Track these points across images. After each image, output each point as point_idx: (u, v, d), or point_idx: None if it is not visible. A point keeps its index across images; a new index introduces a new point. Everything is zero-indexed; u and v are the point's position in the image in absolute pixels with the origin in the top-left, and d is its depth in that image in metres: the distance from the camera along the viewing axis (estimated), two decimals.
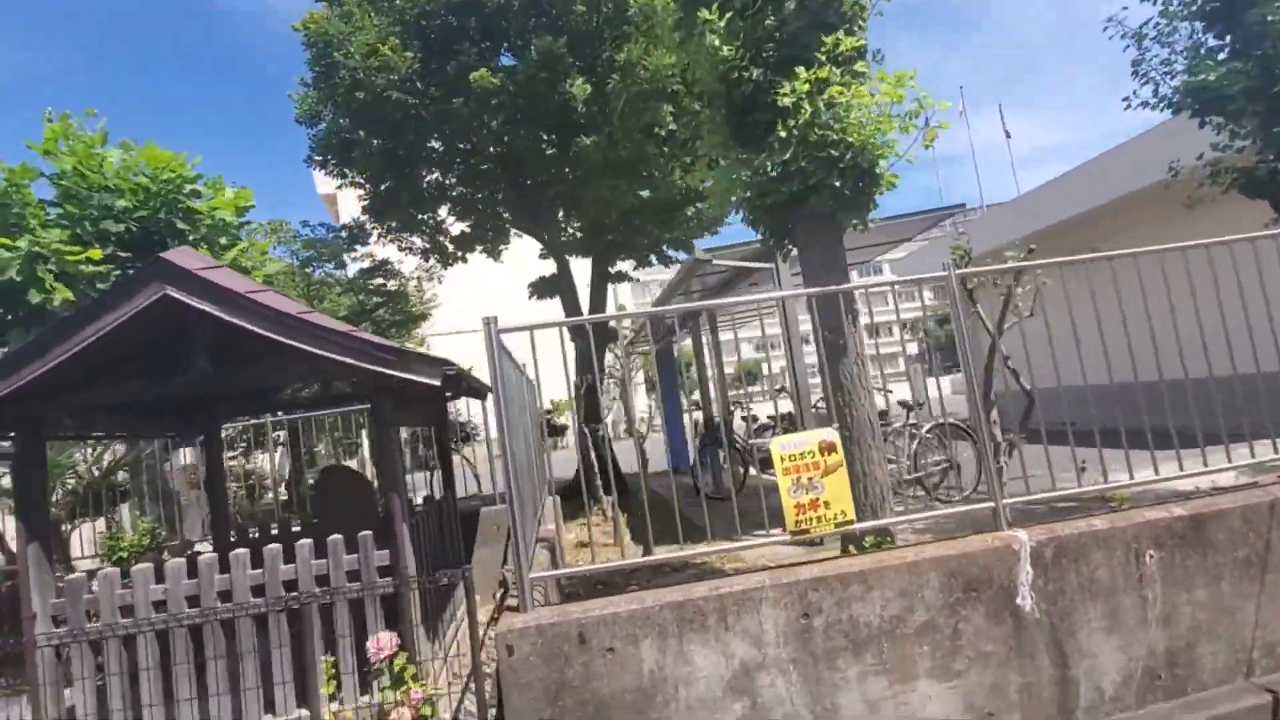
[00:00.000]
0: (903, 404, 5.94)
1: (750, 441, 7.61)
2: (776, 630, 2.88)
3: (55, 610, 3.83)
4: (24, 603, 3.80)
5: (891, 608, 2.94)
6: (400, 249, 9.89)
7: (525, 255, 11.22)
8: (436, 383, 3.84)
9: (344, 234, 9.80)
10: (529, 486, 4.05)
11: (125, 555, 6.13)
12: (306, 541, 3.98)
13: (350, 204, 21.43)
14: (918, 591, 2.96)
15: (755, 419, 9.27)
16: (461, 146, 7.81)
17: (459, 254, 9.88)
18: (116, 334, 3.66)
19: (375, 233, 9.50)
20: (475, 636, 2.89)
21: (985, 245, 9.03)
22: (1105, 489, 3.59)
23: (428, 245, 9.75)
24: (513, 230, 9.90)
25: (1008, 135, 27.54)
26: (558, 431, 9.48)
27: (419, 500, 6.38)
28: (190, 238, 6.59)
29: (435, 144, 8.31)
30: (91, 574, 3.95)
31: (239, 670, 3.79)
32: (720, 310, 7.74)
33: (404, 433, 10.71)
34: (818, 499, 3.00)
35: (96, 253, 5.88)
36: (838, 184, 3.18)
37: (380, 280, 10.45)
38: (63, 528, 5.95)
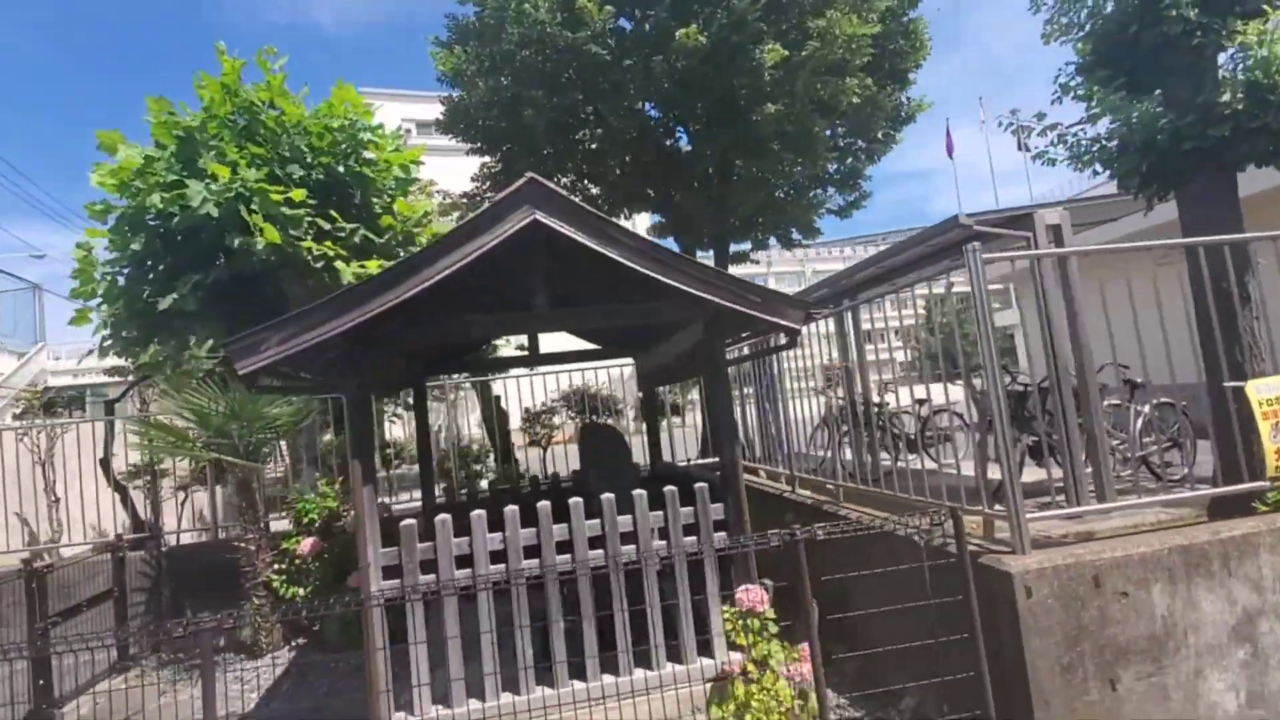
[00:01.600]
0: (1127, 382, 5.91)
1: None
2: (1275, 575, 2.78)
3: (388, 560, 3.52)
4: (360, 551, 3.47)
5: None
6: None
7: None
8: (798, 327, 3.66)
9: (464, 200, 9.48)
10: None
11: (315, 519, 5.74)
12: (641, 492, 3.74)
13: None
14: None
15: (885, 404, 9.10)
16: (638, 108, 7.54)
17: None
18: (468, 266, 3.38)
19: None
20: (969, 591, 2.71)
21: None
22: None
23: None
24: (627, 209, 9.72)
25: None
26: (676, 410, 9.21)
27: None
28: (373, 188, 6.26)
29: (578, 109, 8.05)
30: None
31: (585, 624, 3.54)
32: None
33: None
34: None
35: (300, 193, 5.51)
36: None
37: None
38: (251, 485, 5.55)
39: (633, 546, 3.68)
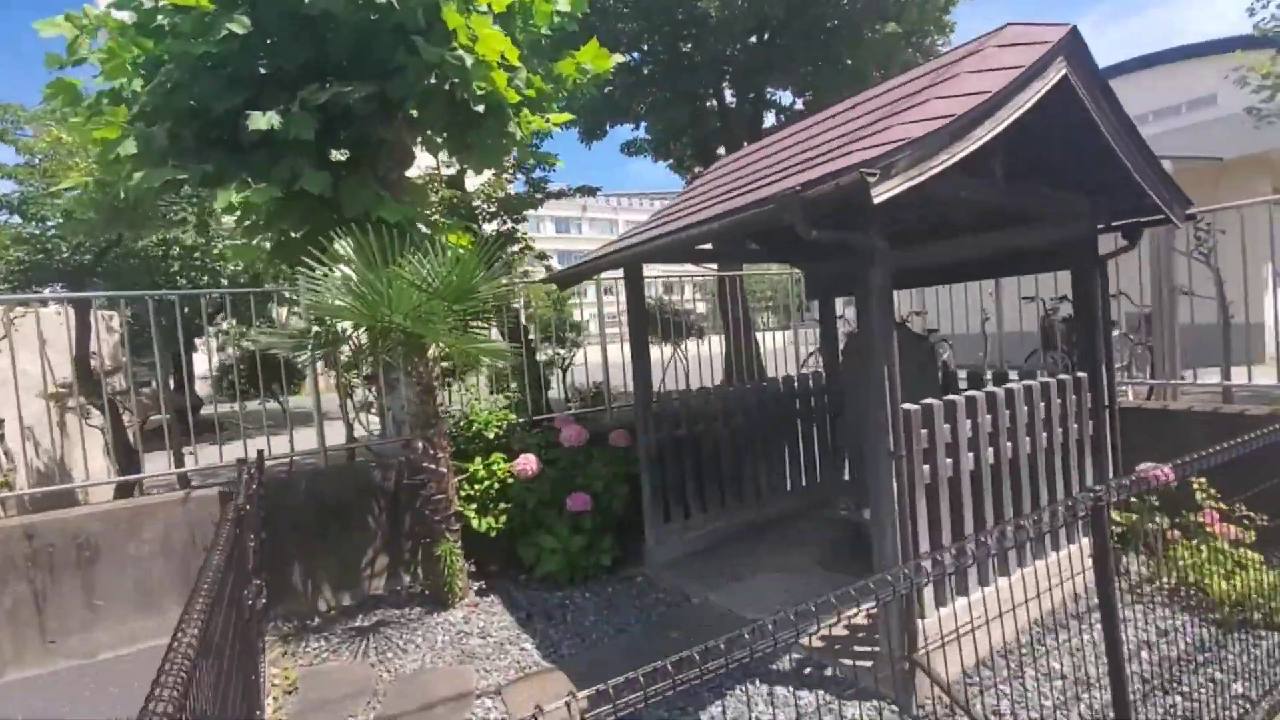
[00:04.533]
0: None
1: None
2: None
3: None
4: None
5: None
6: None
7: None
8: (1179, 225, 3.91)
9: None
10: None
11: (498, 432, 4.48)
12: (1049, 381, 3.74)
13: None
14: None
15: None
16: None
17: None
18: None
19: None
20: None
21: None
22: None
23: None
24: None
25: None
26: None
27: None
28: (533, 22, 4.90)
29: None
30: None
31: None
32: None
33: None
34: None
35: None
36: None
37: None
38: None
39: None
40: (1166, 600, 3.53)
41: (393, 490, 4.55)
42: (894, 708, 2.86)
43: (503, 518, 4.35)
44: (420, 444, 4.04)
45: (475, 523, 4.26)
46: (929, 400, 3.15)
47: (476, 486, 4.36)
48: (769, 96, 8.61)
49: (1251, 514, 3.44)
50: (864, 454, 3.18)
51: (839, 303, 6.57)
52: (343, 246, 3.64)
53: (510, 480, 4.37)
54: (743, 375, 8.60)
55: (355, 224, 4.10)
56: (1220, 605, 3.25)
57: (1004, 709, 2.81)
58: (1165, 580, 3.63)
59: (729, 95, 8.97)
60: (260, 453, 4.06)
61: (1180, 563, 3.52)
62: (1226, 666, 2.91)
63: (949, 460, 3.21)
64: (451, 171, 8.21)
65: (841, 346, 5.29)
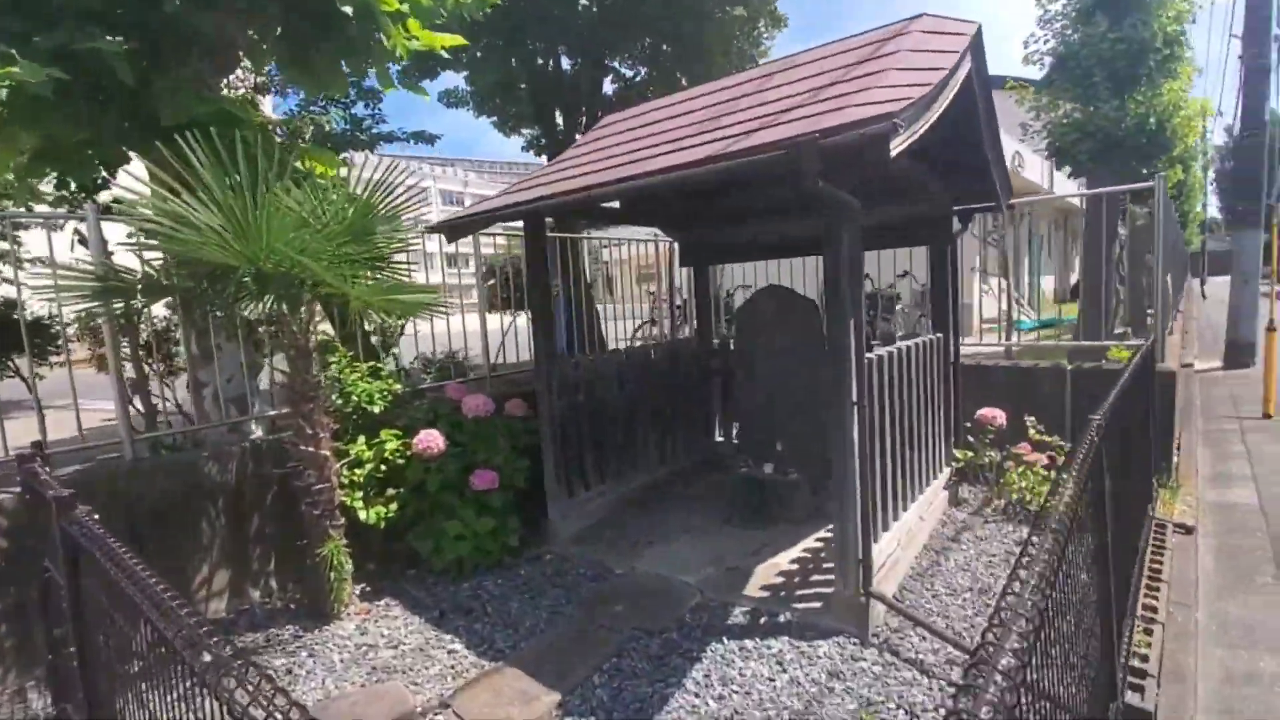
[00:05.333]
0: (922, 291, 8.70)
1: None
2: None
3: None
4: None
5: None
6: None
7: None
8: (1002, 213, 4.73)
9: None
10: None
11: (383, 406, 3.66)
12: (922, 340, 4.27)
13: None
14: None
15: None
16: None
17: None
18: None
19: None
20: (1152, 382, 4.50)
21: None
22: None
23: None
24: None
25: None
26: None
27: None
28: None
29: None
30: None
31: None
32: None
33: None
34: None
35: None
36: None
37: None
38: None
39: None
40: (1002, 518, 4.32)
41: (234, 486, 3.58)
42: (855, 640, 3.06)
43: (393, 505, 3.68)
44: (298, 422, 3.21)
45: (363, 514, 3.54)
46: (878, 352, 3.39)
47: (359, 471, 3.62)
48: (608, 63, 8.45)
49: (1062, 443, 4.36)
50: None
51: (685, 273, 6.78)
52: (195, 158, 2.68)
53: (403, 461, 3.71)
54: (584, 345, 8.44)
55: (178, 134, 3.07)
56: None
57: (938, 624, 3.17)
58: (999, 502, 4.44)
59: (565, 60, 8.61)
60: (38, 443, 2.87)
61: (1009, 487, 4.33)
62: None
63: (879, 407, 3.50)
64: (241, 91, 6.66)
65: (735, 315, 5.46)
